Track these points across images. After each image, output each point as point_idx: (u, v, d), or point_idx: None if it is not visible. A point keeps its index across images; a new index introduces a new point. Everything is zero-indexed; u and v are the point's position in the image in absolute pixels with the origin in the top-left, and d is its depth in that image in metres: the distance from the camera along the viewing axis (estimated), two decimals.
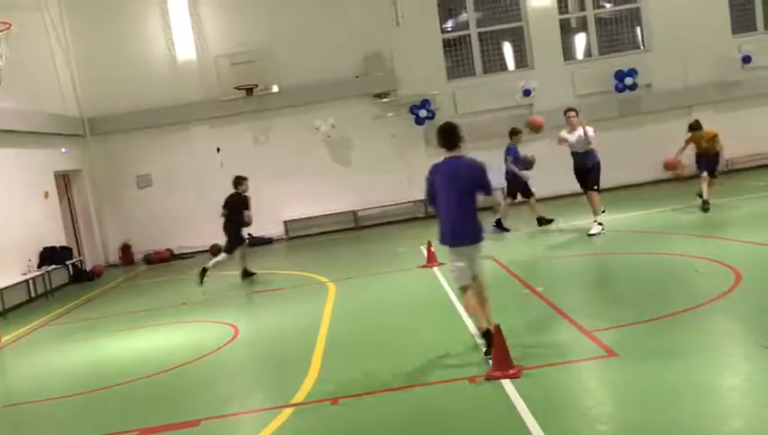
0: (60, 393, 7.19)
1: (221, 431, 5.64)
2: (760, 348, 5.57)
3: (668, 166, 12.80)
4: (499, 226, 13.63)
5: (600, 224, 11.85)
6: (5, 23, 9.51)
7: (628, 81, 18.27)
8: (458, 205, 6.30)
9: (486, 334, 6.03)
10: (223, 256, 12.44)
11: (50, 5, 17.34)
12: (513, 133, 14.00)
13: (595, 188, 11.91)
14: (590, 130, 11.83)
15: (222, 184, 18.31)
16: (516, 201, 14.09)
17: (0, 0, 9.70)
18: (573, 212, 14.57)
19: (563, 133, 12.19)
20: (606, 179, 12.68)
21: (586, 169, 12.00)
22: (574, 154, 12.14)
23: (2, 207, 13.11)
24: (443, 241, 6.50)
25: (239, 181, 12.49)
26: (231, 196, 12.40)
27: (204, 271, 12.21)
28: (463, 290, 6.46)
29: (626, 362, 5.68)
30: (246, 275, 12.58)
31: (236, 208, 12.18)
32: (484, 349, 6.08)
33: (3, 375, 8.83)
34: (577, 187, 12.63)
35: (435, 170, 6.50)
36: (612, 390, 5.33)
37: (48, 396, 7.16)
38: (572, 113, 12.18)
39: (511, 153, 13.71)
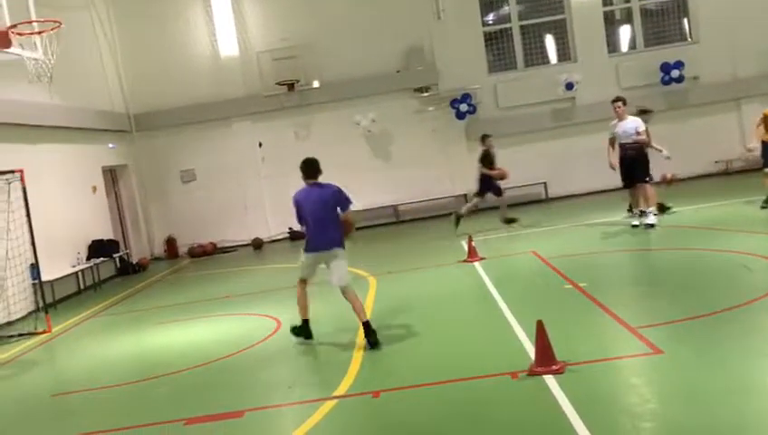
0: (108, 383, 7.37)
1: (264, 422, 5.72)
2: None
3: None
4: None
5: (654, 214, 11.70)
6: (56, 21, 9.74)
7: (675, 73, 17.90)
8: (322, 221, 7.49)
9: (366, 326, 7.18)
10: (474, 200, 14.31)
11: (97, 4, 17.72)
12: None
13: (647, 179, 11.67)
14: (638, 122, 11.64)
15: (263, 178, 18.70)
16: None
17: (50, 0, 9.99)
18: (614, 207, 14.35)
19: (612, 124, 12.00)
20: (657, 173, 12.47)
21: (635, 160, 11.71)
22: (621, 146, 11.90)
23: (53, 201, 13.47)
24: (308, 249, 7.67)
25: (484, 138, 14.23)
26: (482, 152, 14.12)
27: (458, 217, 14.15)
28: (302, 282, 7.85)
29: (671, 360, 5.58)
30: (508, 221, 14.05)
31: (484, 162, 13.91)
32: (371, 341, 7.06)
33: (53, 365, 9.09)
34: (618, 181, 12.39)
35: (300, 197, 7.77)
36: (657, 387, 5.24)
37: (97, 386, 7.35)
38: (619, 103, 11.96)
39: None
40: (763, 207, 11.82)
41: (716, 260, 9.22)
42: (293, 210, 7.85)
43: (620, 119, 11.84)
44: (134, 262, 16.79)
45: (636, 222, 11.84)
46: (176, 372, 7.33)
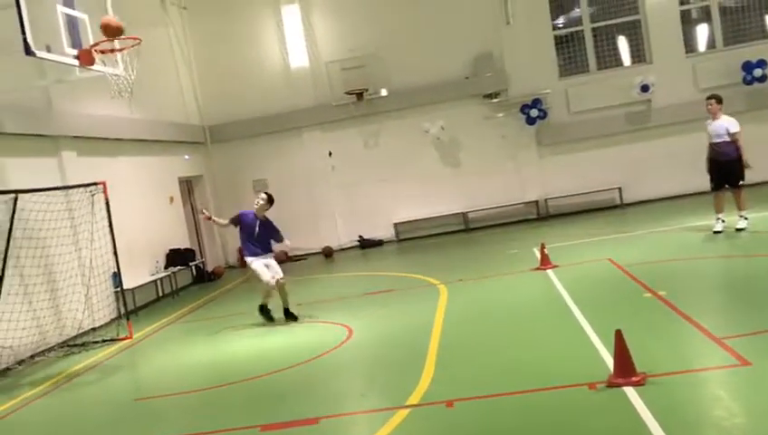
0: (187, 388, 7.57)
1: (338, 430, 5.75)
2: None
3: None
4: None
5: (745, 218, 11.34)
6: (135, 39, 10.10)
7: (758, 72, 17.16)
8: (263, 241, 10.70)
9: (262, 309, 10.39)
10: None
11: (173, 20, 18.33)
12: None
13: (740, 183, 11.30)
14: (731, 122, 11.31)
15: (333, 186, 18.89)
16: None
17: (129, 18, 10.36)
18: (692, 212, 13.84)
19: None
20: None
21: (726, 161, 11.26)
22: (712, 145, 11.48)
23: (132, 211, 13.97)
24: (251, 255, 10.61)
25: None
26: None
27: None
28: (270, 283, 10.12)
29: (760, 372, 5.32)
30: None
31: None
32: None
33: (135, 370, 9.39)
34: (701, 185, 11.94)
35: (244, 214, 10.94)
36: (745, 401, 4.99)
37: (176, 391, 7.56)
38: (711, 101, 11.59)
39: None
40: None
41: None
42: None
43: (714, 117, 11.45)
44: (209, 270, 17.22)
45: (719, 228, 11.38)
46: (251, 379, 7.46)
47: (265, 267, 10.32)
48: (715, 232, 11.42)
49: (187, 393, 7.40)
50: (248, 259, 10.62)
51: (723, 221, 11.47)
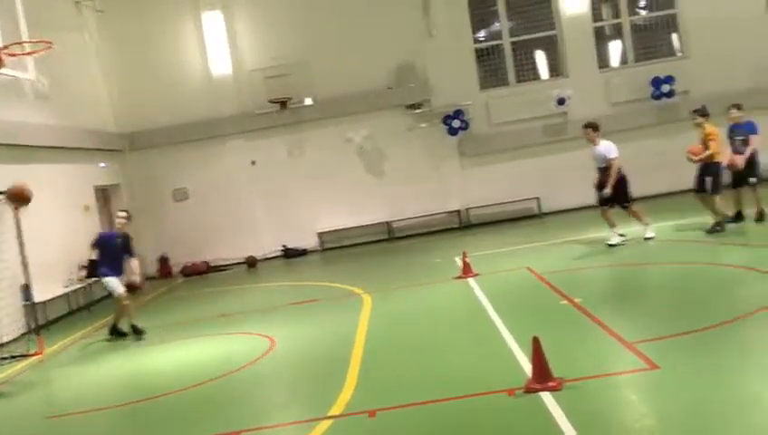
0: (100, 405, 7.31)
1: None
2: None
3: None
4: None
5: (646, 224, 11.89)
6: (46, 42, 9.74)
7: (665, 88, 18.02)
8: (118, 258, 10.71)
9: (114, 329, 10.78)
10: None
11: (89, 25, 17.76)
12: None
13: (625, 205, 11.94)
14: (608, 147, 11.84)
15: (256, 196, 18.67)
16: None
17: (41, 20, 10.00)
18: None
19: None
20: (646, 187, 12.52)
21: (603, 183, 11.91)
22: (598, 169, 12.15)
23: (45, 221, 13.39)
24: (105, 274, 10.63)
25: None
26: None
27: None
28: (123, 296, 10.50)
29: (668, 375, 5.56)
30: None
31: None
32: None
33: (47, 387, 8.99)
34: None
35: (105, 235, 11.46)
36: (654, 403, 5.21)
37: (89, 407, 7.28)
38: (588, 129, 12.18)
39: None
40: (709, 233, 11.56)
41: (709, 274, 9.25)
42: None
43: (594, 144, 12.05)
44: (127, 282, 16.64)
45: (614, 241, 11.85)
46: (169, 393, 7.26)
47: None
48: (609, 245, 11.78)
49: (103, 410, 7.14)
50: (106, 279, 10.68)
51: (621, 235, 11.86)
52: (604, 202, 11.97)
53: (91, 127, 16.83)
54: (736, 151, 11.93)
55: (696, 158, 11.76)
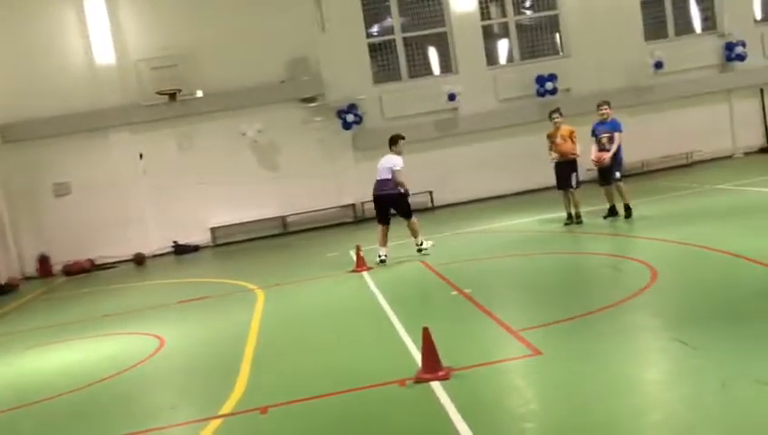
0: None
1: None
2: (675, 342, 5.81)
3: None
4: None
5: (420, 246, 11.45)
6: None
7: (549, 85, 18.81)
8: None
9: None
10: None
11: None
12: None
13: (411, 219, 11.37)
14: (395, 160, 11.27)
15: (144, 191, 18.01)
16: None
17: None
18: (496, 215, 14.87)
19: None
20: (532, 182, 13.01)
21: (384, 195, 11.43)
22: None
23: None
24: None
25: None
26: None
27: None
28: None
29: (550, 361, 5.82)
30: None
31: None
32: None
33: None
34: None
35: None
36: (538, 388, 5.45)
37: None
38: (396, 141, 11.69)
39: None
40: (576, 222, 12.43)
41: (588, 263, 9.76)
42: None
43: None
44: (3, 282, 15.70)
45: (382, 257, 11.29)
46: (49, 399, 6.89)
47: None
48: (380, 261, 11.18)
49: None
50: None
51: (383, 257, 11.24)
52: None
53: None
54: (602, 149, 12.38)
55: (554, 155, 12.53)
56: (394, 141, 11.59)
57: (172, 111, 17.76)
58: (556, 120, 12.65)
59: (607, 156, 12.21)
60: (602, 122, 12.53)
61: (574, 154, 12.48)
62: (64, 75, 17.55)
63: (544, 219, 13.62)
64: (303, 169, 18.33)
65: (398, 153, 11.48)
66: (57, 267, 17.54)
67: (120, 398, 6.74)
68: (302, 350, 7.44)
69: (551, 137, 12.72)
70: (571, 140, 12.49)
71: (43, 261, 17.53)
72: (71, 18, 17.74)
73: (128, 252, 17.63)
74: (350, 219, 18.66)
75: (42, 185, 17.70)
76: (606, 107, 12.55)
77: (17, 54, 17.35)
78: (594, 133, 12.62)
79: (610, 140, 12.33)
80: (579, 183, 12.61)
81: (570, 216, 12.61)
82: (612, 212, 12.51)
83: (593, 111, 12.89)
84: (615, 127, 12.40)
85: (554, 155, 12.53)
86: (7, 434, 6.20)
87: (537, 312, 7.50)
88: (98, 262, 17.56)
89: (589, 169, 13.85)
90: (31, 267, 17.48)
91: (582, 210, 12.62)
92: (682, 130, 19.34)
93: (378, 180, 11.43)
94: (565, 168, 12.53)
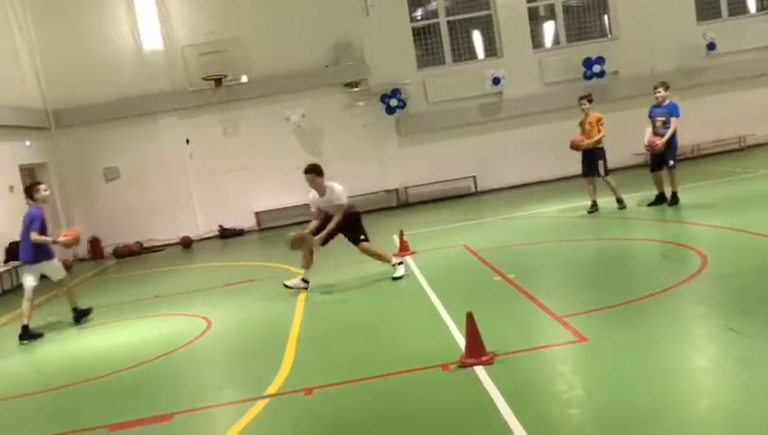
0: (32, 389, 7.10)
1: (194, 425, 5.61)
2: (725, 330, 5.68)
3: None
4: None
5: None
6: None
7: (596, 68, 18.46)
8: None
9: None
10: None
11: None
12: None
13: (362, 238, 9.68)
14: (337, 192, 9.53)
15: (191, 175, 18.32)
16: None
17: None
18: (541, 199, 14.72)
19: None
20: (578, 167, 12.81)
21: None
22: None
23: None
24: (45, 258, 9.72)
25: None
26: None
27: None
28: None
29: (596, 347, 5.76)
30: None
31: None
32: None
33: None
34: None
35: (42, 215, 9.66)
36: (583, 374, 5.39)
37: (18, 393, 7.05)
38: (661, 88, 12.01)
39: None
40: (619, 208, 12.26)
41: (635, 249, 9.58)
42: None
43: (318, 191, 9.67)
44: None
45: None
46: (102, 377, 7.10)
47: None
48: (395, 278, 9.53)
49: (32, 395, 6.93)
50: (35, 266, 9.60)
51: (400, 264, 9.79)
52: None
53: (14, 102, 16.13)
54: (656, 133, 11.96)
55: (585, 143, 12.19)
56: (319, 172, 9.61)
57: (218, 96, 17.98)
58: (583, 106, 12.40)
59: (660, 141, 11.82)
60: (658, 105, 12.10)
61: (595, 141, 12.18)
62: (114, 62, 17.91)
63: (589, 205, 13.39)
64: (347, 154, 18.38)
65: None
66: (108, 250, 17.99)
67: (168, 377, 6.91)
68: (345, 333, 7.50)
69: (581, 124, 12.49)
70: (597, 127, 12.22)
71: (95, 243, 17.99)
72: (120, 6, 18.06)
73: (175, 235, 17.97)
74: (394, 204, 18.68)
75: (93, 169, 18.14)
76: (661, 89, 12.06)
77: (69, 43, 17.75)
78: (650, 116, 12.23)
79: (665, 124, 11.88)
80: (608, 170, 12.34)
81: (594, 204, 12.42)
82: (660, 199, 12.22)
83: (642, 93, 12.67)
84: (672, 111, 11.88)
85: (587, 141, 12.27)
86: (61, 410, 6.40)
87: (582, 298, 7.41)
88: (146, 245, 17.95)
89: (638, 154, 13.51)
90: (83, 249, 17.95)
91: (624, 196, 12.39)
92: (735, 113, 18.79)
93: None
94: (592, 155, 12.28)
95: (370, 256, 9.85)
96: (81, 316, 10.00)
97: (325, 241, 9.67)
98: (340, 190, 9.57)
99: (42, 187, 9.97)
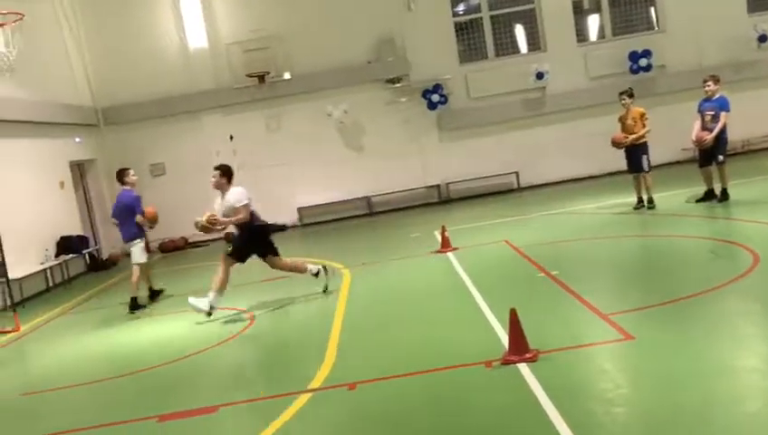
0: (79, 381, 7.28)
1: (238, 417, 5.69)
2: None
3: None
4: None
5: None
6: (18, 13, 9.53)
7: (643, 62, 18.10)
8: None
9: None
10: None
11: None
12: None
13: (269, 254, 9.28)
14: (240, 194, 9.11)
15: (235, 171, 18.48)
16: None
17: None
18: (585, 195, 14.51)
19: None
20: (622, 163, 12.61)
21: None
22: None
23: (19, 197, 13.23)
24: (140, 236, 10.61)
25: None
26: None
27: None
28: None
29: (642, 346, 5.66)
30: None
31: None
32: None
33: (23, 363, 8.94)
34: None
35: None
36: (628, 373, 5.31)
37: (68, 383, 7.25)
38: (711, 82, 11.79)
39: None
40: (648, 207, 12.03)
41: (683, 246, 9.37)
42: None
43: (221, 192, 9.35)
44: (104, 258, 16.56)
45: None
46: (148, 369, 7.26)
47: None
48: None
49: (79, 386, 7.12)
50: (140, 242, 10.84)
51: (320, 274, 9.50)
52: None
53: (64, 101, 16.56)
54: (705, 128, 11.67)
55: (630, 139, 11.94)
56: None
57: (261, 93, 18.16)
58: (624, 101, 12.16)
59: (709, 136, 11.52)
60: (708, 99, 11.80)
61: (637, 137, 11.93)
62: (160, 60, 18.22)
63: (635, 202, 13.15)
64: (388, 150, 18.39)
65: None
66: (153, 245, 18.31)
67: (212, 370, 7.02)
68: (388, 328, 7.51)
69: (622, 119, 12.24)
70: (642, 122, 11.97)
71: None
72: (166, 5, 18.35)
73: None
74: (435, 200, 18.63)
75: (139, 165, 18.40)
76: (711, 83, 11.76)
77: (117, 42, 18.12)
78: (699, 110, 11.93)
79: (715, 118, 11.57)
80: (650, 166, 12.10)
81: (640, 200, 12.18)
82: (709, 196, 11.92)
83: (690, 87, 12.36)
84: (722, 105, 11.56)
85: (631, 138, 12.01)
86: (105, 402, 6.56)
87: (629, 295, 7.29)
88: (191, 240, 18.23)
89: (686, 149, 13.20)
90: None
91: (669, 193, 12.14)
92: None
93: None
94: (636, 151, 12.05)
95: (285, 271, 9.40)
96: (155, 295, 11.12)
97: (239, 256, 9.12)
98: (237, 192, 9.06)
99: (131, 171, 10.94)
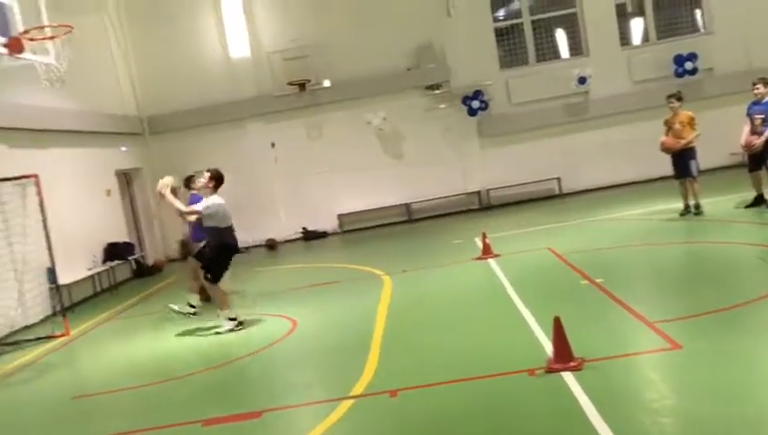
0: (127, 385, 7.42)
1: (282, 422, 5.73)
2: None
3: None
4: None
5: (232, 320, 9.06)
6: (67, 26, 9.80)
7: (689, 65, 17.76)
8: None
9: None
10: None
11: (109, 8, 17.82)
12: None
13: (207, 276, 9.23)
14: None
15: (276, 178, 18.73)
16: None
17: (61, 4, 10.09)
18: (628, 202, 14.27)
19: None
20: (668, 168, 12.39)
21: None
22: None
23: (67, 205, 13.56)
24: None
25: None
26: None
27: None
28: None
29: (690, 355, 5.54)
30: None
31: None
32: None
33: (73, 368, 9.15)
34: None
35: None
36: (676, 383, 5.20)
37: (116, 387, 7.40)
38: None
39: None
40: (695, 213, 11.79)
41: (731, 253, 9.15)
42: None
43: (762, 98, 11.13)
44: (149, 264, 16.88)
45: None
46: (192, 374, 7.37)
47: None
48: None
49: (127, 390, 7.26)
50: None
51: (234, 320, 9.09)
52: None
53: (111, 111, 16.95)
54: (754, 132, 11.39)
55: (682, 144, 11.68)
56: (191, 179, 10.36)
57: (302, 101, 18.32)
58: (672, 105, 11.92)
59: (758, 141, 11.25)
60: (758, 102, 11.53)
61: (688, 141, 11.68)
62: (204, 69, 18.53)
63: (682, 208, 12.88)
64: (428, 157, 18.37)
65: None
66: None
67: (256, 376, 7.09)
68: (429, 335, 7.49)
69: (668, 123, 12.00)
70: (691, 126, 11.73)
71: (184, 244, 18.61)
72: (210, 16, 18.66)
73: (260, 237, 18.40)
74: (476, 207, 18.53)
75: (183, 173, 18.66)
76: (760, 85, 11.50)
77: (162, 52, 18.49)
78: (748, 113, 11.67)
79: (764, 122, 11.30)
80: (698, 171, 11.85)
81: (687, 206, 11.92)
82: (759, 201, 11.62)
83: (739, 91, 12.06)
84: None
85: (682, 142, 11.74)
86: (155, 405, 6.67)
87: (675, 304, 7.14)
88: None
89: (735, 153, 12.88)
90: (174, 250, 18.62)
91: (717, 199, 11.86)
92: None
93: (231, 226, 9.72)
94: (684, 155, 11.79)
95: (209, 292, 9.55)
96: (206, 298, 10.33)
97: (215, 277, 9.19)
98: (210, 199, 9.53)
99: (197, 178, 11.21)
